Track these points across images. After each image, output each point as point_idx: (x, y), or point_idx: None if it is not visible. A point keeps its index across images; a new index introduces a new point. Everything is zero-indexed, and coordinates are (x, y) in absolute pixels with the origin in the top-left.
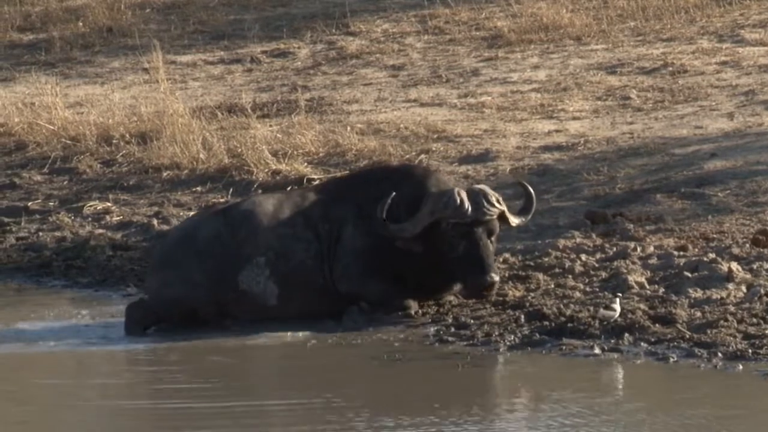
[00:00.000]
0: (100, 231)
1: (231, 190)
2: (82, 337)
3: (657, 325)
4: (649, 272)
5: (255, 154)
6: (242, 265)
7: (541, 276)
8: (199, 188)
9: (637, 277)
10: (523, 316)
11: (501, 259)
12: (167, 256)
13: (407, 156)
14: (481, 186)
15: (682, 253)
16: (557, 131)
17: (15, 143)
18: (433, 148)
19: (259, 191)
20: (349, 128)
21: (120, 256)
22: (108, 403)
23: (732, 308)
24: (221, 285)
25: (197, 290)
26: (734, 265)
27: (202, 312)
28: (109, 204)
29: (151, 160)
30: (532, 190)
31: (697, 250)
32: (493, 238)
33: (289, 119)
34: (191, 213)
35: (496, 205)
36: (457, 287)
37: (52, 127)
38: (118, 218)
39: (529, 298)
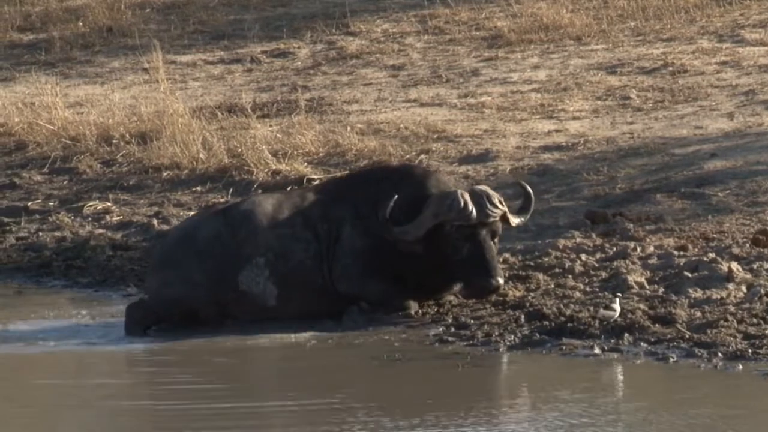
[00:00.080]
0: (100, 231)
1: (231, 190)
2: (82, 337)
3: (657, 325)
4: (649, 272)
5: (255, 154)
6: (242, 265)
7: (541, 276)
8: (199, 188)
9: (637, 277)
10: (523, 316)
11: (501, 259)
12: (167, 256)
13: (407, 156)
14: (483, 187)
15: (682, 253)
16: (557, 131)
17: (15, 143)
18: (433, 148)
19: (259, 191)
20: (349, 128)
21: (120, 256)
22: (108, 403)
23: (732, 308)
24: (221, 285)
25: (197, 290)
26: (734, 265)
27: (202, 312)
28: (109, 204)
29: (151, 160)
30: (530, 190)
31: (697, 250)
32: (496, 240)
33: (289, 119)
34: (191, 213)
35: (499, 206)
36: (457, 287)
37: (52, 127)
38: (118, 218)
39: (529, 298)
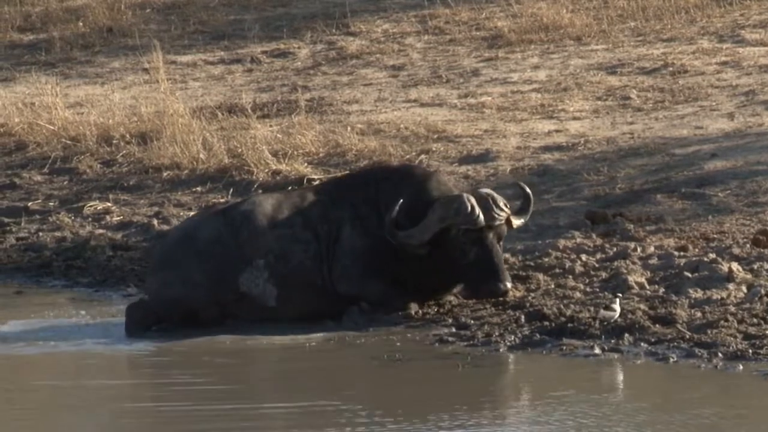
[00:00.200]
0: (101, 231)
1: (231, 190)
2: (82, 338)
3: (657, 325)
4: (649, 272)
5: (255, 154)
6: (242, 267)
7: (541, 276)
8: (199, 188)
9: (637, 277)
10: (523, 317)
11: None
12: (167, 256)
13: (407, 156)
14: (488, 190)
15: (682, 253)
16: (557, 131)
17: (15, 143)
18: (434, 149)
19: (260, 191)
20: (349, 128)
21: (120, 257)
22: (108, 404)
23: (732, 308)
24: (221, 286)
25: (197, 291)
26: (734, 266)
27: (202, 313)
28: (109, 204)
29: (151, 160)
30: (529, 191)
31: (697, 250)
32: (501, 242)
33: (289, 119)
34: (191, 213)
35: (504, 209)
36: (457, 288)
37: (52, 127)
38: (118, 218)
39: (530, 298)
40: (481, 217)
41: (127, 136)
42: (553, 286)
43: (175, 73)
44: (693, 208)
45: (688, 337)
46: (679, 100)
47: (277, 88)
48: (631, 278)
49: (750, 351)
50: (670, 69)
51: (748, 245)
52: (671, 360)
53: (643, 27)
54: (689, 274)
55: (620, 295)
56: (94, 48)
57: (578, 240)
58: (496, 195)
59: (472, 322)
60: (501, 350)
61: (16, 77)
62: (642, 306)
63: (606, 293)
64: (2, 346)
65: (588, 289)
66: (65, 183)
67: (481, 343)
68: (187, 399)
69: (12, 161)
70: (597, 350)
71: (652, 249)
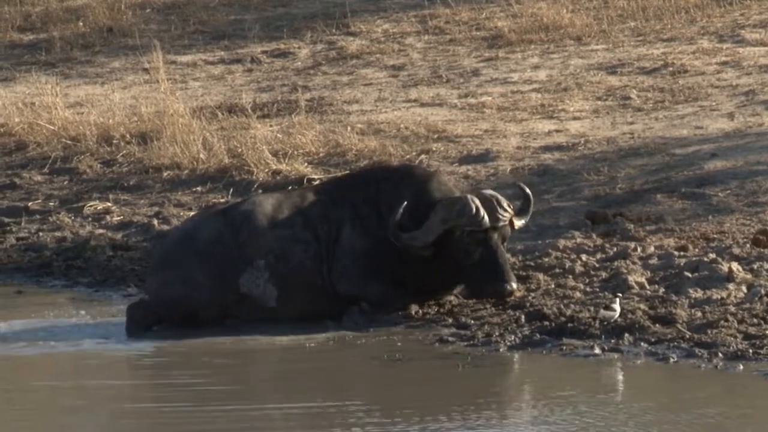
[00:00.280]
0: (101, 231)
1: (231, 190)
2: (82, 337)
3: (657, 325)
4: (649, 272)
5: (255, 154)
6: (243, 268)
7: (541, 276)
8: (199, 188)
9: (637, 277)
10: (523, 317)
11: None
12: (168, 256)
13: (408, 156)
14: (491, 191)
15: (682, 253)
16: (557, 131)
17: (15, 143)
18: (434, 148)
19: (260, 191)
20: (349, 128)
21: (120, 257)
22: (108, 404)
23: (732, 308)
24: (222, 287)
25: (198, 291)
26: (735, 265)
27: (203, 313)
28: (109, 204)
29: (151, 160)
30: (529, 192)
31: (697, 250)
32: (505, 243)
33: (290, 119)
34: (191, 213)
35: (508, 210)
36: (458, 288)
37: (52, 127)
38: (118, 218)
39: (530, 298)
40: (486, 218)
41: (127, 136)
42: (553, 286)
43: (175, 73)
44: (693, 208)
45: (688, 337)
46: (679, 100)
47: (277, 88)
48: (631, 278)
49: (750, 351)
50: (670, 69)
51: (748, 245)
52: (671, 360)
53: (643, 27)
54: (689, 274)
55: (620, 295)
56: (94, 48)
57: (578, 240)
58: (499, 196)
59: (472, 322)
60: (501, 350)
61: (16, 77)
62: (642, 306)
63: (606, 293)
64: (2, 346)
65: (588, 289)
66: (65, 183)
67: (481, 343)
68: (187, 399)
69: (12, 161)
70: (597, 350)
71: (652, 249)
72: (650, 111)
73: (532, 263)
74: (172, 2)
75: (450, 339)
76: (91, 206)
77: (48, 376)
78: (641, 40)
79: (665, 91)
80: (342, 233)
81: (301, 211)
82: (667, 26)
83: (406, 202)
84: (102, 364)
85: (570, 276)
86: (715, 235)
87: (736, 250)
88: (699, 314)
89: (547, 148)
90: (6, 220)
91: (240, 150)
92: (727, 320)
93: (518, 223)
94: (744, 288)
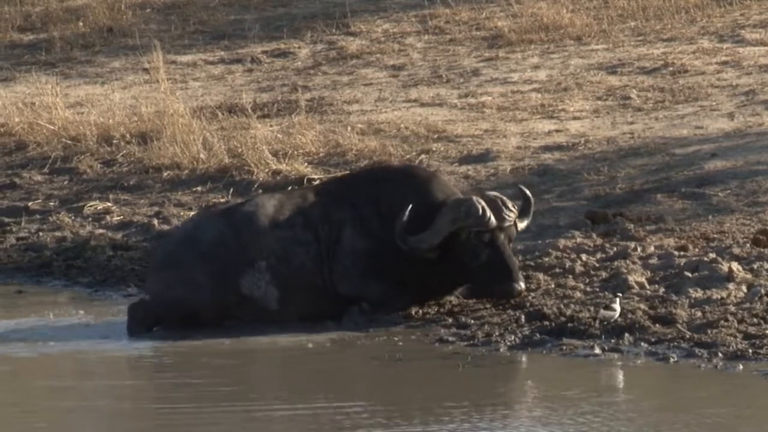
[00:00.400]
0: (101, 231)
1: (231, 190)
2: (82, 337)
3: (657, 325)
4: (649, 272)
5: (255, 154)
6: (244, 269)
7: (541, 276)
8: (199, 188)
9: (637, 277)
10: (523, 316)
11: None
12: (169, 256)
13: (408, 156)
14: (495, 192)
15: (682, 253)
16: (557, 131)
17: (15, 143)
18: (434, 148)
19: (260, 191)
20: (349, 128)
21: (120, 256)
22: (108, 404)
23: (732, 308)
24: (223, 288)
25: (199, 292)
26: (735, 265)
27: (204, 314)
28: (109, 204)
29: (151, 160)
30: (530, 194)
31: (697, 250)
32: (511, 244)
33: (290, 119)
34: (192, 213)
35: (513, 210)
36: (459, 288)
37: (52, 127)
38: (118, 218)
39: (530, 298)
40: (493, 218)
41: (128, 135)
42: (553, 285)
43: (175, 73)
44: (693, 207)
45: (688, 336)
46: (679, 99)
47: (277, 88)
48: (631, 278)
49: (750, 351)
50: (670, 69)
51: (748, 245)
52: (671, 360)
53: (643, 27)
54: (689, 274)
55: (620, 294)
56: (94, 48)
57: (578, 240)
58: (503, 197)
59: (473, 322)
60: (501, 350)
61: (16, 77)
62: (642, 306)
63: (606, 293)
64: (2, 346)
65: (588, 289)
66: (65, 183)
67: (482, 342)
68: (188, 400)
69: (12, 161)
70: (597, 350)
71: (652, 249)
72: (650, 111)
73: (532, 263)
74: (172, 2)
75: (450, 339)
76: (91, 206)
77: (48, 376)
78: (641, 40)
79: (665, 91)
80: (343, 234)
81: (301, 211)
82: (667, 26)
83: (411, 205)
84: (102, 364)
85: (570, 276)
86: (715, 235)
87: (736, 250)
88: (699, 314)
89: (547, 148)
90: (6, 220)
91: (240, 150)
92: (727, 320)
93: (521, 224)
94: (744, 288)
